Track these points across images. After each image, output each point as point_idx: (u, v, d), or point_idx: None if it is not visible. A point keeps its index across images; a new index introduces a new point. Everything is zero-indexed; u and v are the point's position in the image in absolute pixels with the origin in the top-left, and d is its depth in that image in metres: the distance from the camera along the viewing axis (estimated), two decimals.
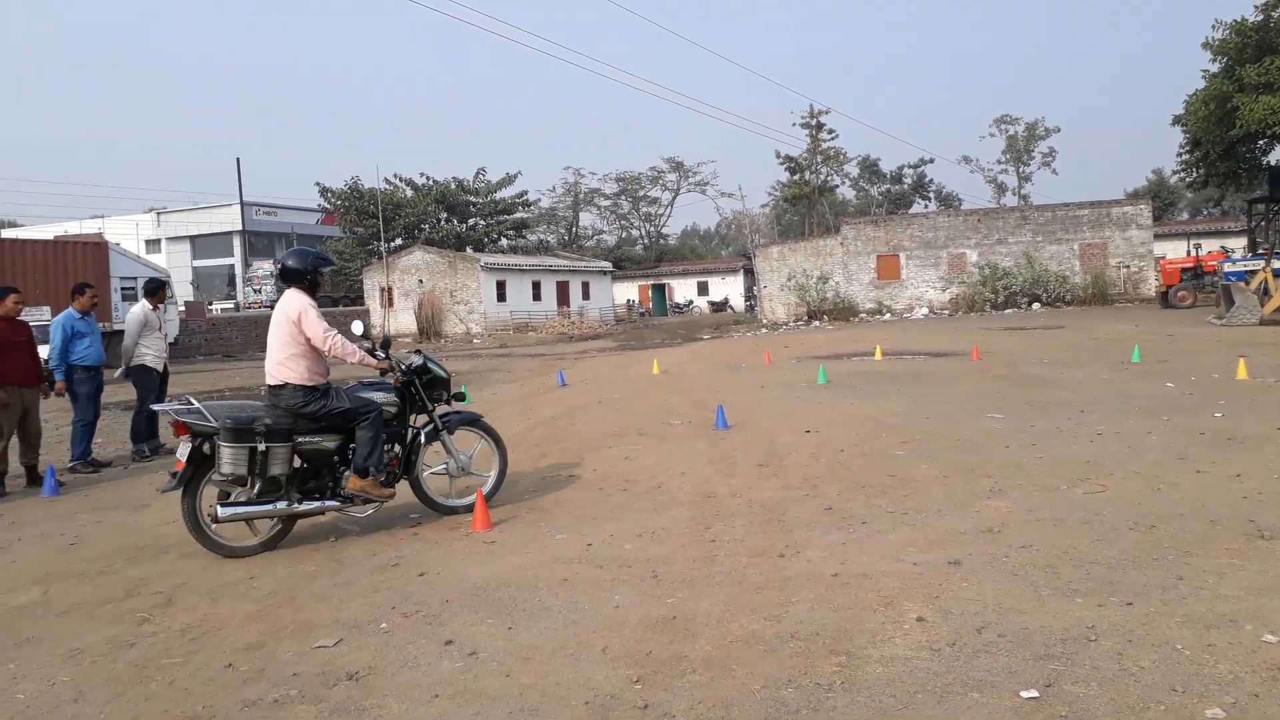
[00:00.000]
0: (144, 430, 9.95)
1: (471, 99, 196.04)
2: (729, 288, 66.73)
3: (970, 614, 4.05)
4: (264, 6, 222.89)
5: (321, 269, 6.22)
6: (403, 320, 44.03)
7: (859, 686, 3.41)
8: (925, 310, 36.27)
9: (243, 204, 57.80)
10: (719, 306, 63.62)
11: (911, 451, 7.86)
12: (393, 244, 51.15)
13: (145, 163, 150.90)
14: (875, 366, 15.69)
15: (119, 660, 4.15)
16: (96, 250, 27.62)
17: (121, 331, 10.11)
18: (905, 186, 71.80)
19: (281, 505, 5.82)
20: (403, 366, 6.36)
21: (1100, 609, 4.01)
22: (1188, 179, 35.74)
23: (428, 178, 55.04)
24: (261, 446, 5.63)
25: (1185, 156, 33.63)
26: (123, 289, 27.54)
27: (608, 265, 56.74)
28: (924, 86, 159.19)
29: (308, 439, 5.89)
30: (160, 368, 9.98)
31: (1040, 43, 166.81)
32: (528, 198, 59.15)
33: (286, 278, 6.14)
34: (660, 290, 67.13)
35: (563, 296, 48.72)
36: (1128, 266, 35.17)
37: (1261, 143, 31.14)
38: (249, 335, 37.88)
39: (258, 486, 5.75)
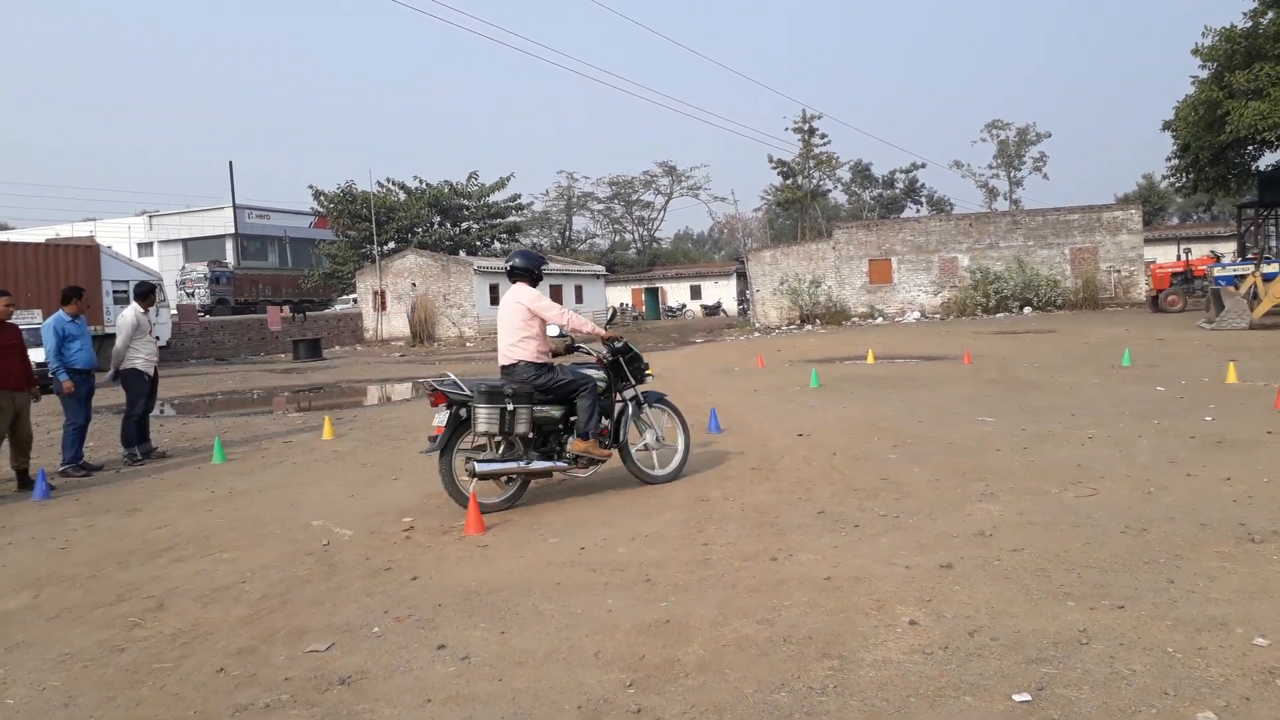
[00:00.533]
0: (135, 434, 9.91)
1: (465, 102, 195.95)
2: (722, 291, 66.78)
3: (962, 617, 4.06)
4: (256, 9, 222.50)
5: (542, 267, 7.38)
6: (395, 324, 43.95)
7: (852, 690, 3.41)
8: (917, 314, 36.35)
9: (235, 207, 57.67)
10: (712, 310, 63.67)
11: (903, 455, 7.88)
12: (386, 247, 51.06)
13: (137, 166, 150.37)
14: (867, 370, 15.73)
15: (110, 665, 4.13)
16: (88, 253, 27.51)
17: (113, 335, 10.07)
18: (897, 191, 72.02)
19: (523, 463, 6.75)
20: (610, 346, 7.37)
21: (1092, 612, 4.03)
22: (1178, 184, 35.87)
23: (421, 181, 54.98)
24: (510, 407, 6.56)
25: (1175, 162, 33.76)
26: (114, 292, 27.41)
27: (600, 269, 56.75)
28: (916, 92, 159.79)
29: (539, 409, 6.82)
30: (151, 371, 9.95)
31: (1032, 49, 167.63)
32: (520, 201, 59.09)
33: (516, 274, 7.13)
34: (653, 294, 67.12)
35: (556, 300, 48.52)
36: (1118, 271, 35.31)
37: (1250, 148, 31.29)
38: (241, 339, 37.79)
39: (502, 447, 6.75)
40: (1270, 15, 27.33)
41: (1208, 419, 8.76)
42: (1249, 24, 28.15)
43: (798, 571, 4.86)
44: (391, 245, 51.95)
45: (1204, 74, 30.15)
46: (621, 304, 63.27)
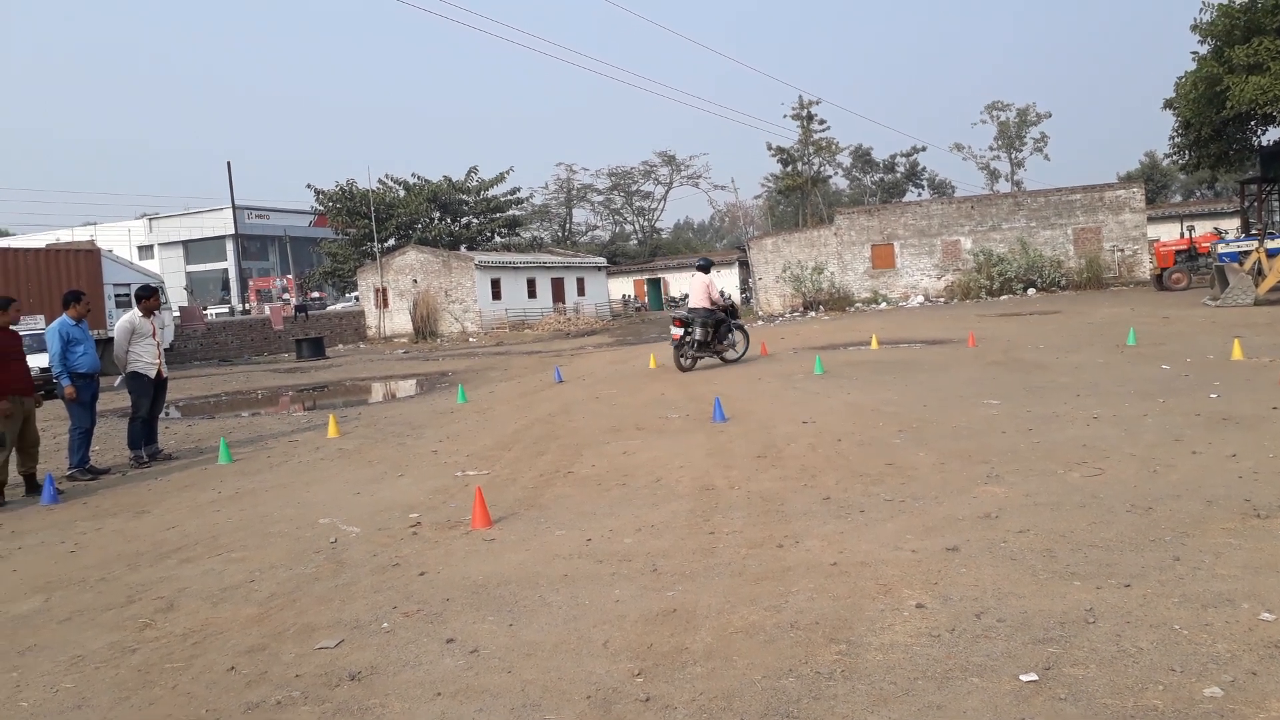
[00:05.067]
0: (141, 436, 9.93)
1: (462, 97, 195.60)
2: (724, 280, 66.59)
3: (969, 599, 4.06)
4: (253, 9, 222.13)
5: (710, 266, 16.14)
6: (398, 320, 43.97)
7: (859, 674, 3.42)
8: (921, 298, 36.29)
9: (235, 208, 57.62)
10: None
11: (909, 439, 7.87)
12: (386, 244, 51.02)
13: (136, 168, 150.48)
14: (871, 356, 15.71)
15: (121, 666, 4.15)
16: (89, 258, 27.54)
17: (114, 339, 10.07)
18: (898, 175, 71.88)
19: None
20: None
21: (1098, 591, 4.03)
22: (1180, 161, 35.69)
23: (419, 177, 54.92)
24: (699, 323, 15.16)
25: (1177, 139, 33.57)
26: (116, 296, 27.46)
27: (602, 261, 56.61)
28: (915, 74, 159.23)
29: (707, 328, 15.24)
30: (153, 374, 9.95)
31: (1031, 28, 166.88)
32: (520, 194, 59.02)
33: (703, 268, 15.80)
34: (655, 284, 67.02)
35: (558, 293, 48.60)
36: (1121, 250, 35.18)
37: (1252, 123, 31.12)
38: (244, 339, 37.84)
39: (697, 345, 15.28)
40: None
41: (1213, 396, 8.75)
42: None
43: (804, 558, 4.86)
44: (392, 242, 51.94)
45: (1204, 50, 29.98)
46: (625, 295, 63.23)
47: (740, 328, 16.17)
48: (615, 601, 4.44)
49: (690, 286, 15.63)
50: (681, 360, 15.15)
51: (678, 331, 15.02)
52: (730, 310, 15.86)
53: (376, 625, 4.39)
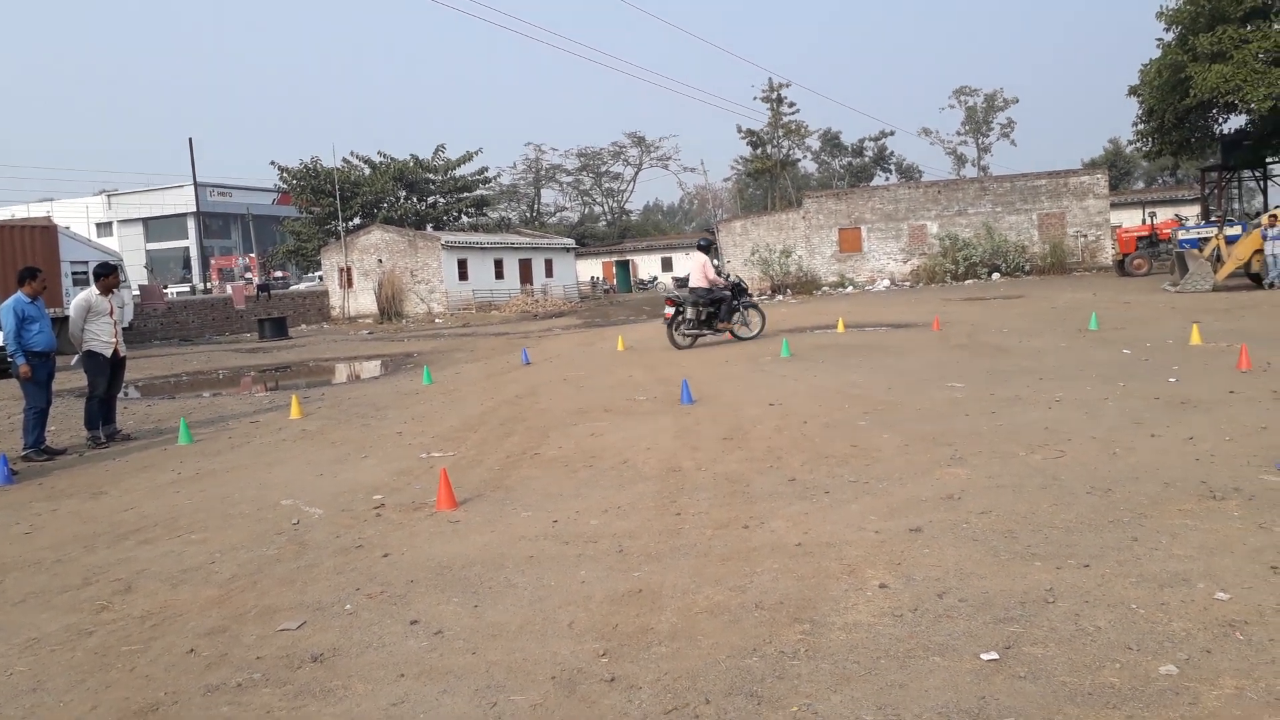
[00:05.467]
0: (98, 416, 9.75)
1: (431, 75, 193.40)
2: (693, 263, 66.56)
3: (931, 580, 4.10)
4: None
5: (713, 244, 20.29)
6: (363, 301, 43.51)
7: (823, 653, 3.44)
8: (887, 282, 36.55)
9: (196, 185, 56.65)
10: (683, 282, 63.56)
11: (873, 422, 7.93)
12: (351, 224, 50.39)
13: (95, 144, 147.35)
14: (838, 339, 15.80)
15: (78, 648, 4.08)
16: (45, 234, 26.90)
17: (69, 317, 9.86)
18: (866, 159, 72.18)
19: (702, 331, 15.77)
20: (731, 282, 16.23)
21: (1058, 571, 4.09)
22: (1143, 148, 36.18)
23: (385, 156, 54.23)
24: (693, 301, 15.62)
25: (1141, 126, 34.01)
26: (74, 274, 26.89)
27: (570, 242, 56.28)
28: (884, 59, 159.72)
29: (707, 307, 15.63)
30: (109, 353, 9.76)
31: (999, 12, 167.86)
32: (488, 174, 58.47)
33: (702, 248, 16.29)
34: (624, 267, 66.88)
35: (526, 274, 48.28)
36: (1085, 235, 35.64)
37: (1214, 111, 31.59)
38: (206, 319, 37.29)
39: (693, 322, 15.60)
40: None
41: (1172, 380, 8.89)
42: None
43: (769, 539, 4.88)
44: (357, 221, 51.28)
45: (1169, 37, 30.35)
46: (593, 277, 63.03)
47: (754, 306, 16.49)
48: (581, 582, 4.43)
49: (689, 266, 15.93)
50: (678, 339, 15.50)
51: (670, 311, 15.50)
52: (738, 289, 16.08)
53: (339, 607, 4.34)
